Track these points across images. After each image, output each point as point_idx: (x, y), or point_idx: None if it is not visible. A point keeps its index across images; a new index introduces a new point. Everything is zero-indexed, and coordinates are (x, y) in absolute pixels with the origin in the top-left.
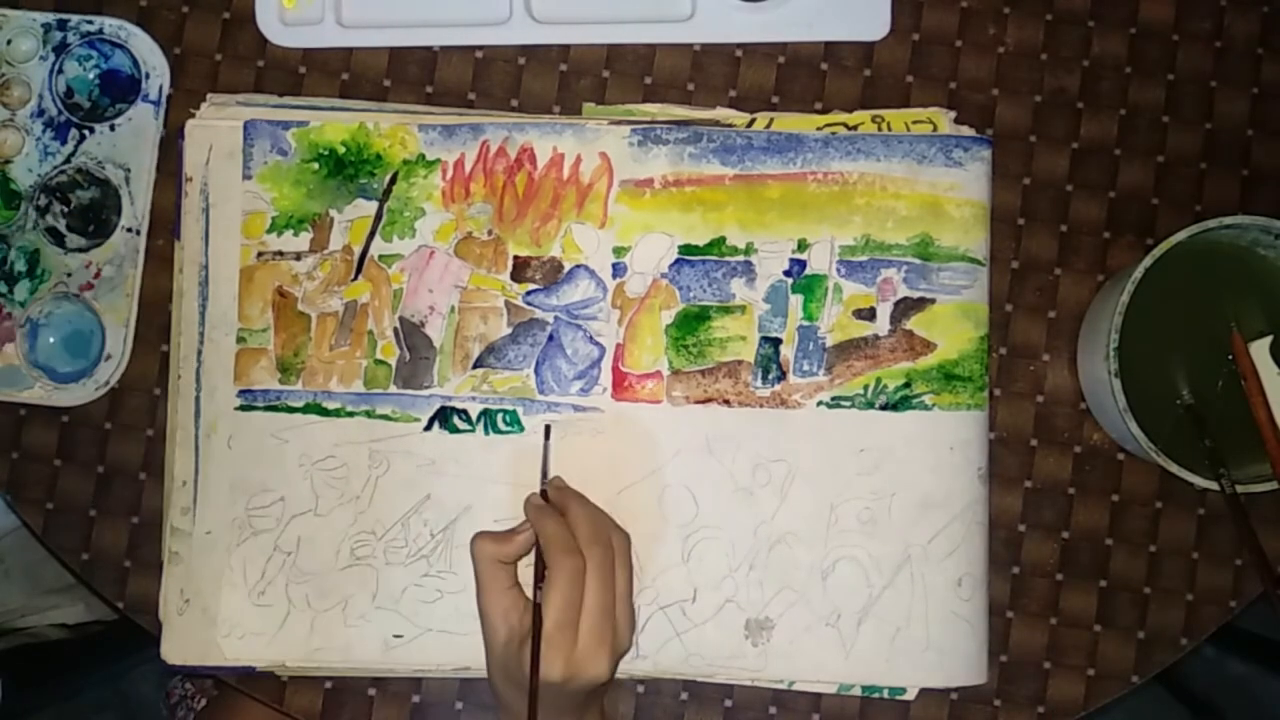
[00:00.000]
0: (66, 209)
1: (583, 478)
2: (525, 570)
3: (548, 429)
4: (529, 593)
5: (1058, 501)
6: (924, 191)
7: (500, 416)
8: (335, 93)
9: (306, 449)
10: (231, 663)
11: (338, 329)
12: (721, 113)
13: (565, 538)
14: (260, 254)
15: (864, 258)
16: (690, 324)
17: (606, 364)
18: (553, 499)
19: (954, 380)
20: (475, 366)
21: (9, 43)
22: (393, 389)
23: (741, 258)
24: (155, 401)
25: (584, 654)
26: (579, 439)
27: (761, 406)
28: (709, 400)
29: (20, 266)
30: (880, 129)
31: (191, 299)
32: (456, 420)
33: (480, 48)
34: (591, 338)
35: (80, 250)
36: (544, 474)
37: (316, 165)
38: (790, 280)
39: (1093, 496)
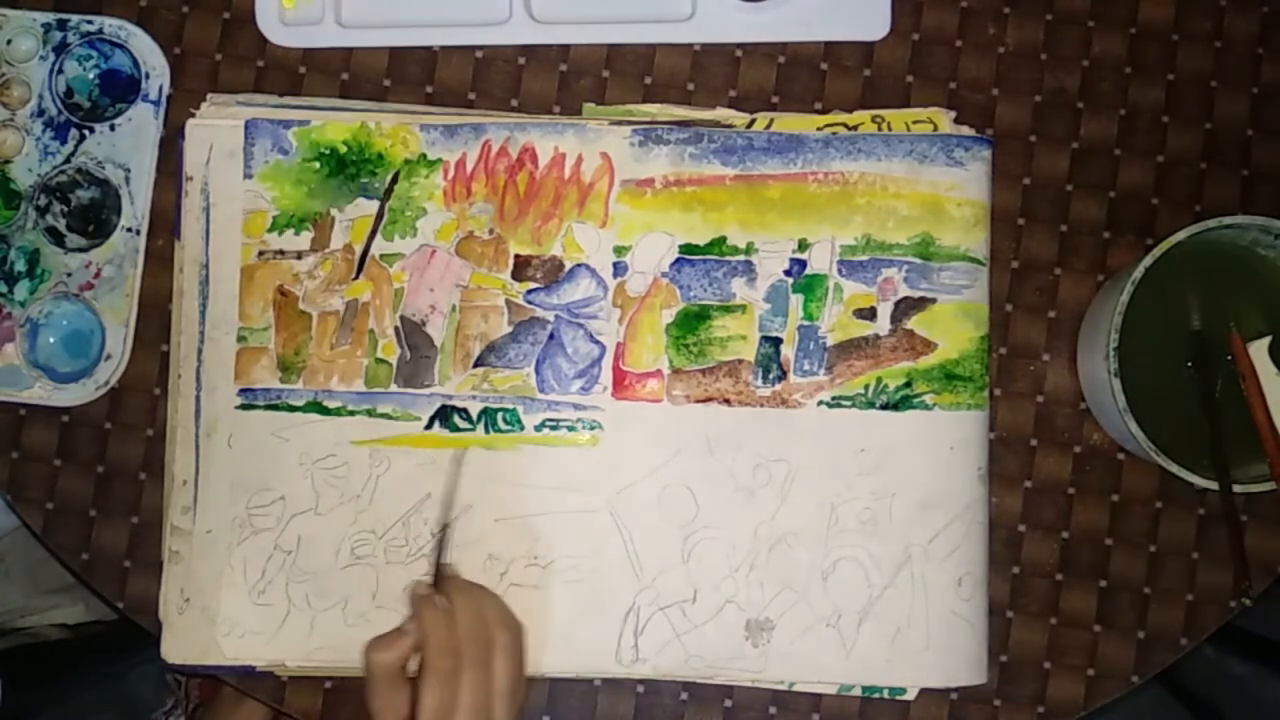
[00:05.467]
0: (66, 209)
1: (583, 477)
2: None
3: (458, 456)
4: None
5: (1058, 501)
6: (924, 191)
7: (501, 415)
8: (335, 93)
9: (307, 448)
10: (231, 662)
11: (339, 328)
12: (721, 113)
13: (441, 637)
14: (261, 253)
15: (864, 257)
16: (691, 323)
17: (607, 363)
18: (430, 591)
19: (954, 380)
20: (476, 365)
21: (9, 43)
22: (393, 388)
23: (742, 257)
24: (155, 401)
25: None
26: (578, 439)
27: (762, 406)
28: (709, 399)
29: (20, 266)
30: (880, 129)
31: (192, 298)
32: (457, 419)
33: (480, 48)
34: (592, 336)
35: (80, 250)
36: (445, 517)
37: (318, 164)
38: (791, 280)
39: (1093, 496)
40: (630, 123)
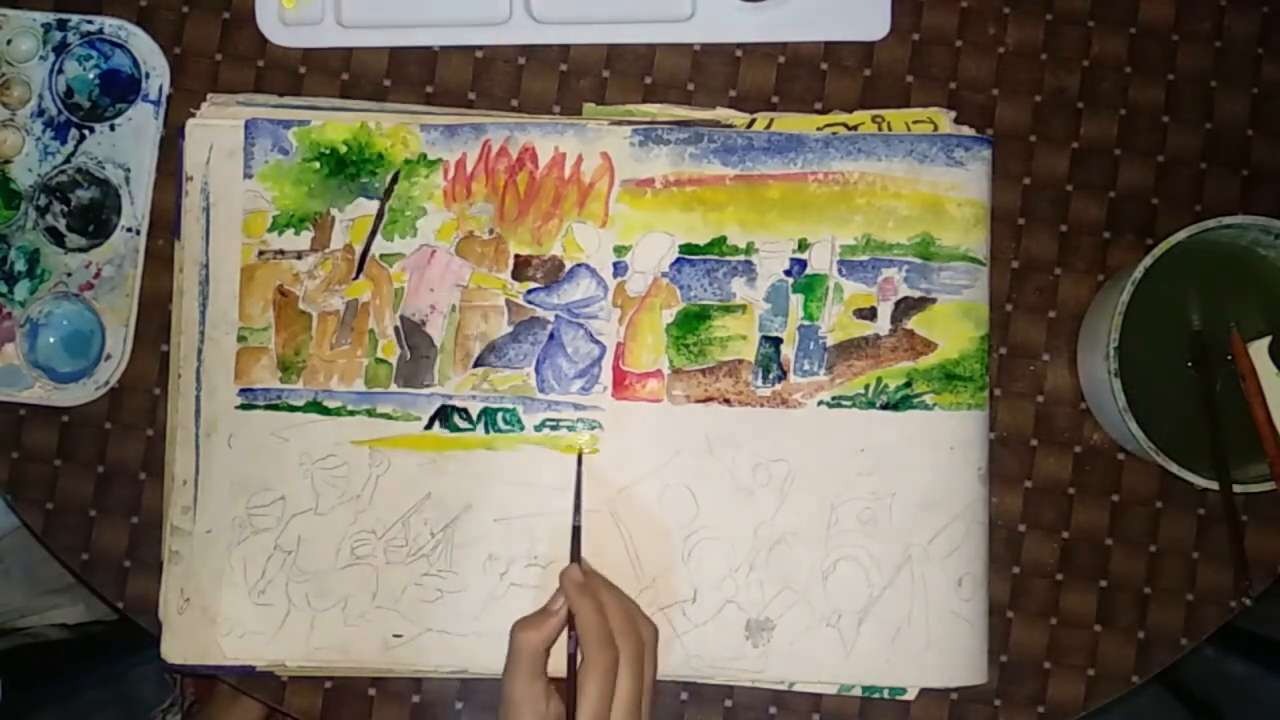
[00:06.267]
0: (66, 209)
1: (583, 477)
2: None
3: (580, 457)
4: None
5: (1058, 501)
6: (924, 191)
7: (500, 415)
8: (335, 93)
9: (307, 448)
10: (231, 662)
11: (339, 328)
12: (721, 113)
13: (603, 629)
14: (261, 253)
15: (865, 257)
16: (691, 323)
17: (607, 363)
18: (586, 581)
19: (954, 380)
20: (476, 365)
21: (9, 43)
22: (393, 388)
23: (742, 257)
24: (155, 401)
25: None
26: (578, 440)
27: (762, 406)
28: (709, 399)
29: (20, 266)
30: (880, 129)
31: (192, 298)
32: (457, 419)
33: (480, 48)
34: (592, 336)
35: (80, 250)
36: (577, 506)
37: (318, 164)
38: (791, 280)
39: (1093, 496)
40: (630, 123)
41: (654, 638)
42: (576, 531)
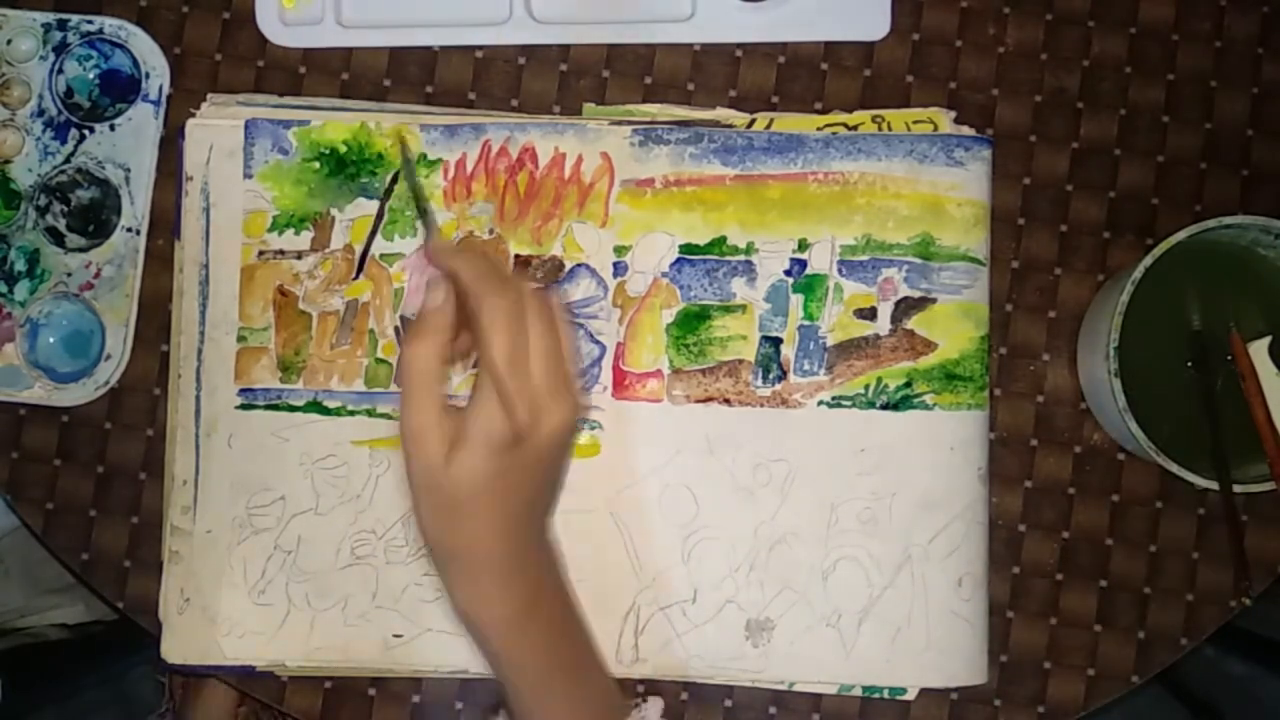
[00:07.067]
0: (66, 209)
1: (583, 477)
2: None
3: (404, 145)
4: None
5: (1058, 501)
6: (925, 191)
7: None
8: (335, 93)
9: (307, 448)
10: (231, 662)
11: (339, 328)
12: (721, 113)
13: (497, 271)
14: (261, 253)
15: (865, 257)
16: (691, 323)
17: (607, 362)
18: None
19: (954, 380)
20: (476, 365)
21: (9, 43)
22: (394, 388)
23: (742, 257)
24: (155, 401)
25: (544, 392)
26: (577, 438)
27: (762, 406)
28: (709, 399)
29: (20, 266)
30: (880, 129)
31: (192, 298)
32: None
33: (480, 48)
34: (592, 336)
35: (80, 250)
36: (422, 210)
37: (318, 164)
38: (791, 280)
39: (1093, 496)
40: (630, 123)
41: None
42: (428, 215)
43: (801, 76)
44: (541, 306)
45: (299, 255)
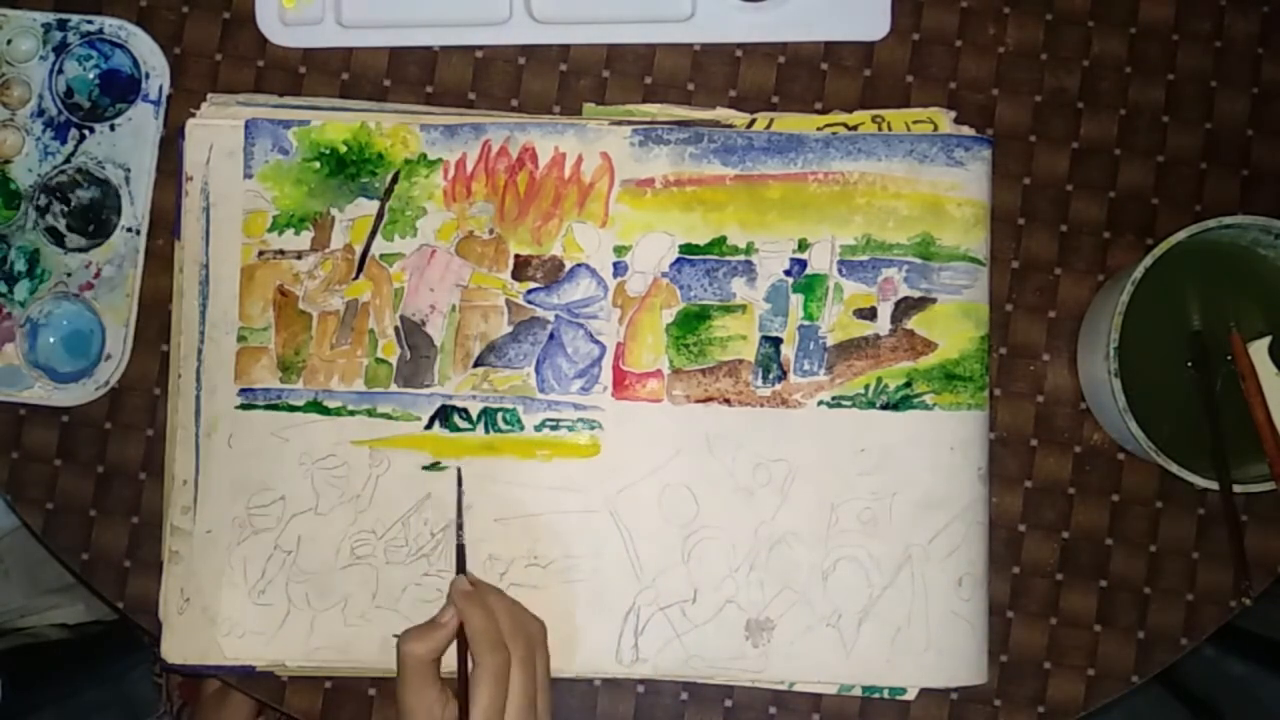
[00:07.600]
0: (66, 209)
1: (583, 477)
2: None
3: (460, 473)
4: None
5: (1058, 501)
6: (924, 191)
7: (500, 415)
8: (335, 93)
9: (307, 448)
10: (231, 662)
11: (339, 328)
12: (721, 113)
13: (493, 633)
14: (261, 253)
15: (865, 257)
16: (691, 323)
17: (607, 363)
18: (473, 588)
19: (954, 380)
20: (476, 365)
21: (9, 43)
22: (393, 388)
23: (742, 257)
24: (155, 401)
25: None
26: (578, 441)
27: (762, 406)
28: (709, 399)
29: (20, 266)
30: (880, 129)
31: (192, 298)
32: (457, 419)
33: (480, 48)
34: (592, 336)
35: (80, 250)
36: (459, 525)
37: (318, 164)
38: (791, 280)
39: (1093, 496)
40: (630, 123)
41: (543, 634)
42: (461, 549)
43: (801, 76)
44: (525, 670)
45: (299, 255)
